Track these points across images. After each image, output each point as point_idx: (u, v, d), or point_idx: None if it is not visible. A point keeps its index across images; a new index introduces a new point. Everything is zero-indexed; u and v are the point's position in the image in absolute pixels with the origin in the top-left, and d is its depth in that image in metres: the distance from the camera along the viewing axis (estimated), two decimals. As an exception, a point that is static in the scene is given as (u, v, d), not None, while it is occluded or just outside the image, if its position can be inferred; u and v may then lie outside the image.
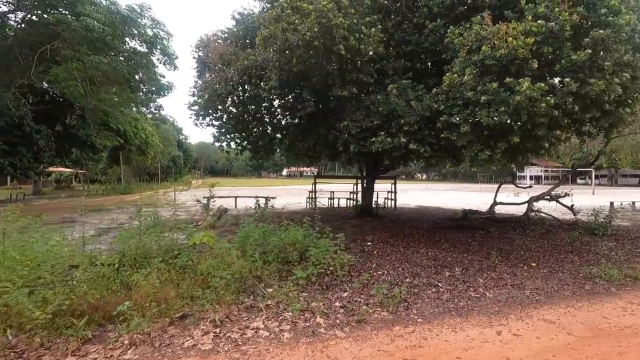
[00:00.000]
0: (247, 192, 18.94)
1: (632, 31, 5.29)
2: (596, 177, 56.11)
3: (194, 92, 10.47)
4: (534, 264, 6.26)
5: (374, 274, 5.57)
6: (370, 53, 6.82)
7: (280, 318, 3.97)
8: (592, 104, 5.67)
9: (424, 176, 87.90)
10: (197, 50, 10.80)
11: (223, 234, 8.04)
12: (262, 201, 10.93)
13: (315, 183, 14.84)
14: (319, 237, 5.82)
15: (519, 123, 5.39)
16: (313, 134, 9.09)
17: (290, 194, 26.32)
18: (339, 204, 15.79)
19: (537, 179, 55.75)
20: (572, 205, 10.57)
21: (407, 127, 6.60)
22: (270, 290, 4.71)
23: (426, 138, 6.80)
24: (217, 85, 9.09)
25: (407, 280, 5.30)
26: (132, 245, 5.13)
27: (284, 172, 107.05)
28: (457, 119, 5.91)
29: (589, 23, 5.25)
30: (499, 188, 12.32)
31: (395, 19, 7.61)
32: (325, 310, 4.12)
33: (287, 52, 7.01)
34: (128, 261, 4.96)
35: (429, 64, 7.77)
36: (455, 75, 5.73)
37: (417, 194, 29.30)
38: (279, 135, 11.52)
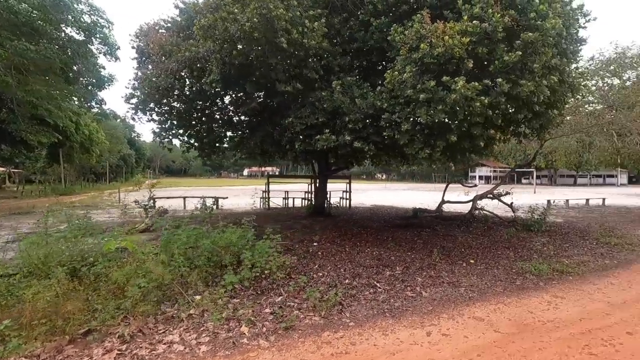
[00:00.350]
0: (201, 193, 18.12)
1: (557, 35, 5.53)
2: (538, 177, 60.48)
3: (133, 84, 9.72)
4: (472, 261, 6.40)
5: (314, 275, 5.37)
6: (315, 48, 6.63)
7: (202, 329, 3.63)
8: (524, 104, 5.87)
9: (384, 176, 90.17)
10: (137, 40, 10.04)
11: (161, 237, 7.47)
12: (210, 202, 10.41)
13: (268, 183, 14.49)
14: (256, 239, 5.51)
15: (456, 122, 5.44)
16: (260, 131, 8.76)
17: (247, 194, 25.57)
18: (293, 204, 15.53)
19: (487, 179, 59.13)
20: (511, 203, 11.12)
21: (352, 124, 6.51)
22: (198, 297, 4.34)
23: (371, 136, 6.73)
24: (158, 78, 8.50)
25: (347, 281, 5.15)
26: (39, 253, 4.51)
27: (245, 172, 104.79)
28: (399, 117, 5.87)
29: (520, 26, 5.41)
30: (446, 187, 12.71)
31: (341, 14, 7.50)
32: (253, 318, 3.84)
33: (228, 43, 6.64)
34: (33, 270, 4.35)
35: (375, 61, 7.73)
36: (397, 72, 5.69)
37: (375, 193, 29.77)
38: (230, 133, 11.07)
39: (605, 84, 13.18)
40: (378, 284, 5.05)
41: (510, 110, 5.60)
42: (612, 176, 57.84)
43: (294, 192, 16.20)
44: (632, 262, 6.64)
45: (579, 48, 7.30)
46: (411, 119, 5.81)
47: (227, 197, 13.74)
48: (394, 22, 6.42)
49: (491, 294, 4.82)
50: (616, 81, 13.54)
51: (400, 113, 5.89)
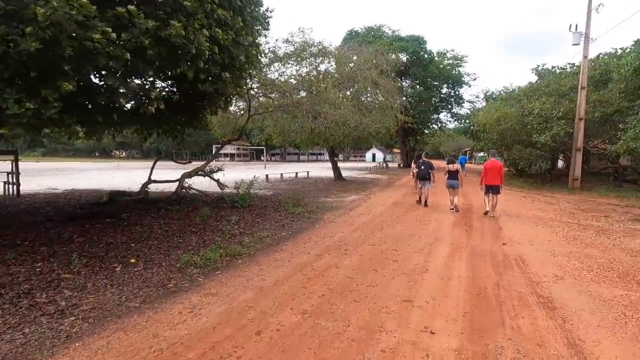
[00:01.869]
0: None
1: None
2: (273, 155, 69.23)
3: None
4: (133, 260, 4.85)
5: None
6: None
7: None
8: (189, 59, 4.71)
9: (123, 154, 77.56)
10: None
11: None
12: None
13: None
14: None
15: (70, 61, 3.51)
16: None
17: None
18: None
19: (231, 156, 62.13)
20: (218, 180, 10.63)
21: None
22: None
23: None
24: None
25: None
26: None
27: None
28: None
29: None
30: (154, 165, 10.82)
31: None
32: None
33: None
34: None
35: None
36: None
37: (94, 174, 24.07)
38: None
39: (300, 70, 15.06)
40: None
41: (161, 56, 4.23)
42: (322, 154, 74.52)
43: None
44: (302, 231, 7.14)
45: (264, 16, 7.04)
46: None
47: None
48: None
49: (116, 315, 3.35)
50: (308, 69, 15.72)
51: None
